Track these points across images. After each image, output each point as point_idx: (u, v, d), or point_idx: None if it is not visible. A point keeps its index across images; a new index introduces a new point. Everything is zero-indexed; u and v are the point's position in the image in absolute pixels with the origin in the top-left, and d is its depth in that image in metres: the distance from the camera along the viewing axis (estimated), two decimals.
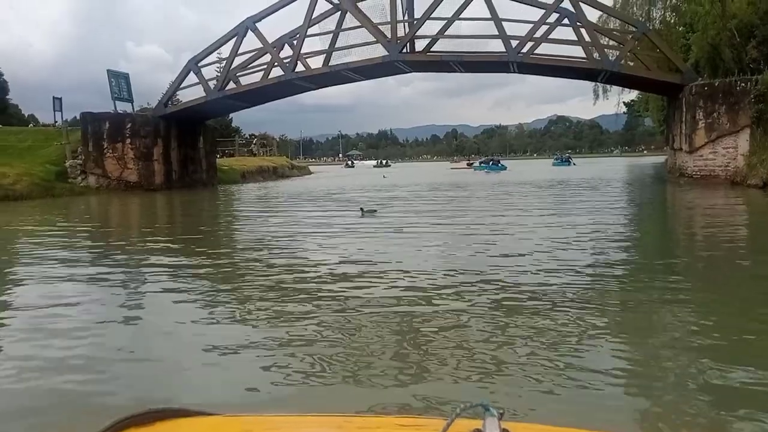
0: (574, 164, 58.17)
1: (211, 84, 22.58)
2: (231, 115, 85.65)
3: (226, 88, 22.31)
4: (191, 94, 23.88)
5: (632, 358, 3.36)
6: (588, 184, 22.44)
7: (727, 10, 24.02)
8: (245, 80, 23.07)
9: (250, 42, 22.41)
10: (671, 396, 2.81)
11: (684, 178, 18.75)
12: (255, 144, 48.71)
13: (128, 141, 22.37)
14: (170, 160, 23.75)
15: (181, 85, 23.33)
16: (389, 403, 2.73)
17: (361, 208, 12.10)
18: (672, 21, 27.73)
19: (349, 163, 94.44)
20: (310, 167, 62.80)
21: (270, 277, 5.93)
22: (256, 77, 22.56)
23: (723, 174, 17.22)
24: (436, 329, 3.90)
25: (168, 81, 23.51)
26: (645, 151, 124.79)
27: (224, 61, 22.95)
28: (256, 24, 21.74)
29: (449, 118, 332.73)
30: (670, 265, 6.22)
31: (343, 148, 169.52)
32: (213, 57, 23.25)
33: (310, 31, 22.13)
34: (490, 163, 55.61)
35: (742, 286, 5.17)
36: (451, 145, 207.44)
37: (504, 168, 49.09)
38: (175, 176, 24.10)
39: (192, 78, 22.82)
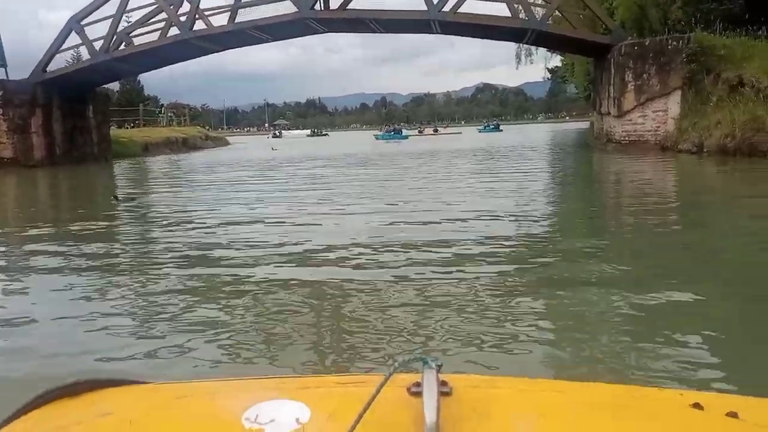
0: (501, 130, 60.71)
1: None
2: (144, 82, 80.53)
3: (116, 50, 19.59)
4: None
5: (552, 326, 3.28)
6: (514, 152, 21.35)
7: None
8: (142, 42, 20.42)
9: None
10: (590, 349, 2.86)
11: (612, 143, 17.86)
12: (164, 114, 45.10)
13: None
14: (52, 133, 20.85)
15: (66, 47, 20.33)
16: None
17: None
18: None
19: (276, 133, 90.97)
20: (229, 138, 59.69)
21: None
22: (155, 38, 19.99)
23: (653, 139, 16.38)
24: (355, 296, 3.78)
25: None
26: (567, 118, 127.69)
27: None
28: None
29: (379, 86, 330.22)
30: (597, 235, 5.96)
31: (269, 117, 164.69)
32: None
33: None
34: (392, 132, 56.11)
35: (668, 254, 4.90)
36: (380, 113, 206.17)
37: (406, 137, 50.00)
38: (60, 151, 21.24)
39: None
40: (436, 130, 67.08)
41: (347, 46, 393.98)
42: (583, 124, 66.38)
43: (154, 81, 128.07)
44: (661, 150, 15.78)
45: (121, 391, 0.76)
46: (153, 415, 0.69)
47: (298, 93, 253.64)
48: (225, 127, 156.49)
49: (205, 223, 7.31)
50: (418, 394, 0.62)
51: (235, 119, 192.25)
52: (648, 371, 2.52)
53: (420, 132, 65.49)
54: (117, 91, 67.57)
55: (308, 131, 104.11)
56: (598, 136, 20.32)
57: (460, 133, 60.16)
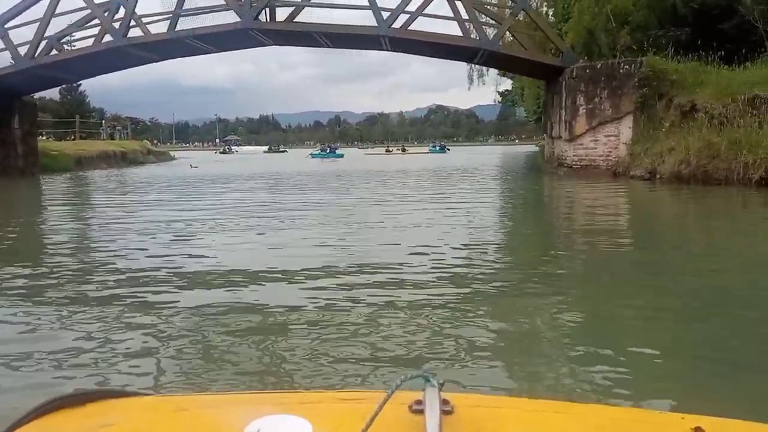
0: (448, 149, 63.33)
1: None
2: (89, 93, 77.60)
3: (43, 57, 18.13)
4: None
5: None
6: (464, 174, 20.82)
7: None
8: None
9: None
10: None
11: (563, 168, 17.49)
12: (104, 126, 43.07)
13: None
14: None
15: None
16: None
17: None
18: (545, 9, 26.99)
19: (226, 148, 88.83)
20: (176, 153, 57.78)
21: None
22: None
23: (605, 164, 16.05)
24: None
25: None
26: (517, 141, 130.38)
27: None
28: None
29: (333, 104, 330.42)
30: (548, 259, 5.77)
31: (221, 133, 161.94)
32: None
33: None
34: (327, 151, 56.20)
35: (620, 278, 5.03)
36: (334, 131, 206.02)
37: (341, 155, 50.20)
38: None
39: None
40: (403, 149, 67.30)
41: (302, 63, 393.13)
42: (533, 147, 67.74)
43: (100, 92, 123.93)
44: (613, 176, 15.44)
45: (122, 402, 0.76)
46: (155, 428, 0.69)
47: (251, 109, 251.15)
48: (174, 141, 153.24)
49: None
50: (420, 412, 0.63)
51: (186, 134, 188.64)
52: (596, 386, 2.60)
53: (388, 150, 65.25)
54: (57, 101, 64.86)
55: (266, 147, 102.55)
56: (549, 160, 20.00)
57: (445, 152, 61.41)
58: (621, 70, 15.68)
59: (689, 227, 8.19)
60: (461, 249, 6.19)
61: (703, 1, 22.27)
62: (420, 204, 10.83)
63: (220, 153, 75.92)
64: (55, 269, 5.38)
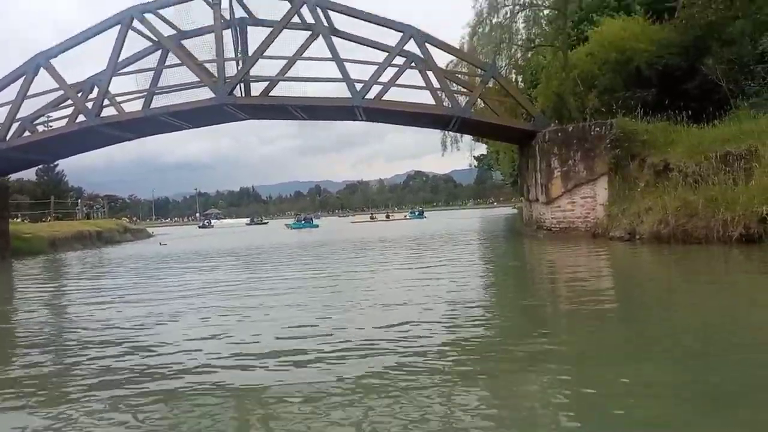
0: (425, 218, 63.45)
1: None
2: (67, 172, 77.35)
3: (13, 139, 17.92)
4: None
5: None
6: (445, 240, 20.62)
7: (569, 60, 24.18)
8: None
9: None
10: None
11: (542, 231, 17.41)
12: (80, 206, 42.59)
13: None
14: None
15: None
16: None
17: None
18: (513, 76, 27.75)
19: (206, 222, 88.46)
20: (154, 229, 57.16)
21: None
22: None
23: (583, 226, 16.00)
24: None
25: None
26: (495, 203, 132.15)
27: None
28: (51, 61, 17.77)
29: (313, 174, 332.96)
30: (533, 326, 5.84)
31: (201, 206, 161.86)
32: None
33: (127, 70, 18.75)
34: (302, 221, 57.69)
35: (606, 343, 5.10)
36: (314, 201, 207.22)
37: (316, 226, 51.71)
38: None
39: None
40: (388, 216, 67.79)
41: (281, 136, 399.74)
42: (509, 210, 68.38)
43: (79, 171, 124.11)
44: (592, 237, 15.36)
45: None
46: None
47: (231, 182, 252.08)
48: (154, 217, 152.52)
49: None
50: None
51: (166, 210, 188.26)
52: None
53: (372, 218, 65.29)
54: (33, 182, 64.40)
55: (247, 220, 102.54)
56: (528, 223, 19.97)
57: (423, 217, 61.84)
58: (592, 132, 15.89)
59: (675, 290, 7.96)
60: (446, 326, 5.96)
61: (666, 63, 23.07)
62: (401, 276, 10.52)
63: (199, 227, 75.37)
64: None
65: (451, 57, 23.65)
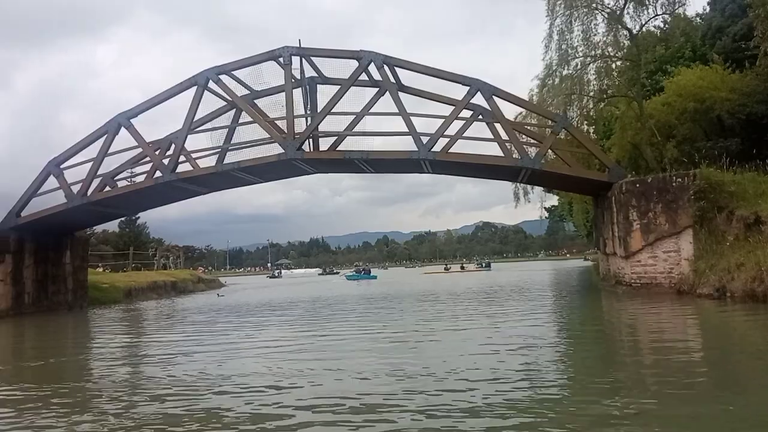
0: (490, 269, 61.51)
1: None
2: (150, 224, 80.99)
3: (92, 194, 18.85)
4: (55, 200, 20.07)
5: None
6: (517, 295, 19.76)
7: (644, 110, 23.35)
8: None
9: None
10: None
11: (622, 286, 16.38)
12: (157, 256, 44.25)
13: None
14: (22, 281, 19.55)
15: (41, 191, 19.58)
16: None
17: None
18: (585, 127, 26.98)
19: (276, 273, 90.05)
20: (228, 278, 58.65)
21: None
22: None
23: (666, 282, 14.91)
24: None
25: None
26: (568, 255, 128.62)
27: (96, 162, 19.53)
28: (132, 120, 18.75)
29: (381, 225, 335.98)
30: (618, 400, 5.17)
31: (273, 256, 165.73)
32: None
33: (203, 128, 19.55)
34: (362, 272, 56.62)
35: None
36: (382, 251, 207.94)
37: (374, 277, 50.83)
38: (29, 299, 19.83)
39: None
40: (462, 267, 66.48)
41: (350, 188, 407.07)
42: (583, 262, 65.83)
43: (160, 223, 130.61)
44: (677, 294, 14.26)
45: None
46: None
47: (302, 233, 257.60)
48: (228, 267, 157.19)
49: None
50: None
51: (240, 260, 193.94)
52: None
53: (446, 269, 64.16)
54: (116, 234, 67.85)
55: (319, 270, 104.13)
56: (606, 278, 18.92)
57: (490, 269, 59.79)
58: (674, 183, 14.96)
59: None
60: (521, 383, 5.81)
61: (749, 112, 21.88)
62: (473, 332, 10.11)
63: (269, 278, 76.58)
64: None
65: (519, 109, 23.36)
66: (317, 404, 5.44)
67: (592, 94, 25.90)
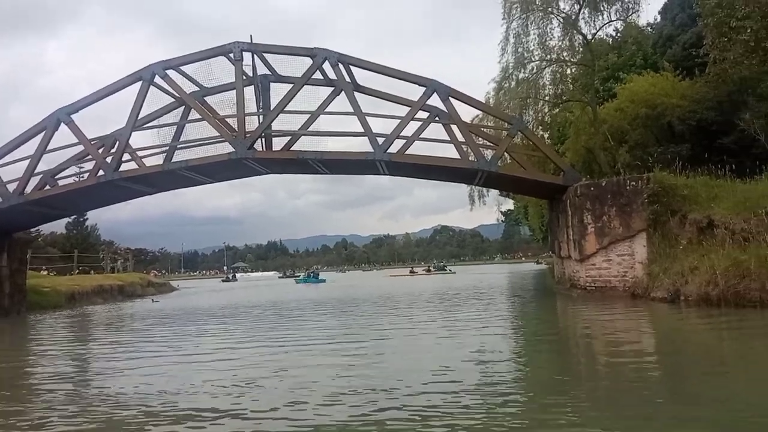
0: (452, 272, 61.69)
1: None
2: (99, 226, 78.22)
3: (30, 194, 17.77)
4: None
5: None
6: (474, 298, 19.57)
7: (598, 115, 23.63)
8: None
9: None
10: None
11: (576, 290, 16.35)
12: (105, 260, 42.64)
13: None
14: None
15: None
16: None
17: None
18: (540, 132, 27.18)
19: (229, 276, 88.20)
20: (180, 282, 57.04)
21: None
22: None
23: (621, 285, 14.92)
24: None
25: None
26: (523, 258, 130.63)
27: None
28: (76, 116, 17.74)
29: (340, 228, 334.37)
30: (572, 408, 5.07)
31: (230, 260, 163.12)
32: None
33: (150, 125, 18.68)
34: (311, 276, 58.13)
35: None
36: (341, 254, 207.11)
37: (323, 280, 52.28)
38: None
39: None
40: (428, 270, 66.43)
41: (309, 191, 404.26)
42: (538, 266, 66.70)
43: (110, 225, 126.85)
44: (631, 297, 14.27)
45: None
46: None
47: (259, 236, 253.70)
48: (182, 271, 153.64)
49: None
50: None
51: (195, 263, 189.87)
52: None
53: (412, 272, 63.84)
54: (63, 235, 65.24)
55: (279, 273, 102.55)
56: (561, 281, 18.92)
57: (454, 272, 59.63)
58: (628, 187, 14.99)
59: (729, 361, 6.96)
60: (473, 389, 5.67)
61: (699, 118, 22.34)
62: (431, 334, 9.92)
63: (223, 281, 74.83)
64: None
65: (476, 112, 23.28)
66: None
67: (547, 98, 26.11)
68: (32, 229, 52.97)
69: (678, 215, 14.06)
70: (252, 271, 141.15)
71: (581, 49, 24.42)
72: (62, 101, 18.62)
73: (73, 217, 68.72)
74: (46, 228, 62.77)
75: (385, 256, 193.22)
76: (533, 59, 24.30)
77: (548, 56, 24.47)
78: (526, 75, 24.53)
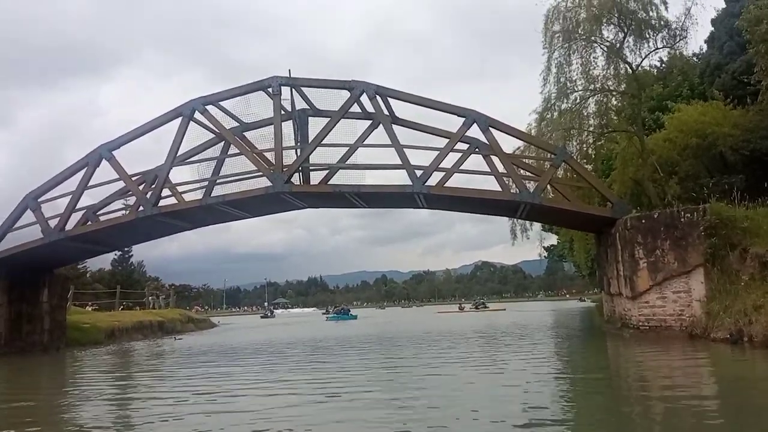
0: (487, 307, 61.81)
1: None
2: (146, 262, 80.00)
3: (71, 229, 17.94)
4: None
5: None
6: (518, 337, 18.68)
7: (646, 145, 22.73)
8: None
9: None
10: None
11: (628, 329, 15.36)
12: (147, 296, 43.12)
13: None
14: None
15: (17, 226, 18.63)
16: None
17: None
18: (590, 157, 26.30)
19: (268, 313, 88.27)
20: (216, 319, 57.14)
21: None
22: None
23: (677, 324, 13.91)
24: None
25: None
26: (567, 295, 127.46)
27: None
28: (114, 152, 17.95)
29: (380, 264, 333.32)
30: None
31: (270, 295, 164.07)
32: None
33: (191, 160, 18.79)
34: (340, 312, 58.01)
35: None
36: (380, 290, 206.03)
37: (354, 317, 52.26)
38: (2, 340, 18.70)
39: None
40: (477, 307, 65.05)
41: (350, 227, 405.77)
42: (583, 303, 64.44)
43: (158, 262, 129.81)
44: (689, 338, 13.25)
45: None
46: None
47: (300, 272, 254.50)
48: (225, 306, 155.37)
49: None
50: None
51: (237, 299, 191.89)
52: None
53: (461, 308, 62.71)
54: (109, 272, 66.67)
55: (322, 309, 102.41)
56: (610, 320, 17.91)
57: (504, 309, 58.11)
58: (683, 219, 14.08)
59: None
60: None
61: (753, 148, 21.23)
62: (474, 378, 9.21)
63: (261, 317, 74.87)
64: None
65: (516, 144, 22.72)
66: None
67: (591, 128, 25.33)
68: (80, 266, 54.50)
69: (738, 249, 13.09)
70: (292, 307, 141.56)
71: (626, 78, 23.70)
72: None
73: (118, 253, 70.63)
74: (94, 265, 64.38)
75: (425, 293, 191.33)
76: (576, 89, 23.67)
77: (592, 86, 23.79)
78: (569, 105, 23.87)
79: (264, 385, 10.02)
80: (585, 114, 24.66)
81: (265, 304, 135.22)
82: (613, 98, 25.09)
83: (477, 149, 17.68)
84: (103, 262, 69.94)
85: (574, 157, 23.21)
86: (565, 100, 23.63)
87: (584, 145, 26.23)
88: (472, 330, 23.58)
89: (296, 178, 17.87)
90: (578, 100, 23.80)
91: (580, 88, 23.57)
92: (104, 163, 17.94)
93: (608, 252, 17.18)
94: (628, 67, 22.77)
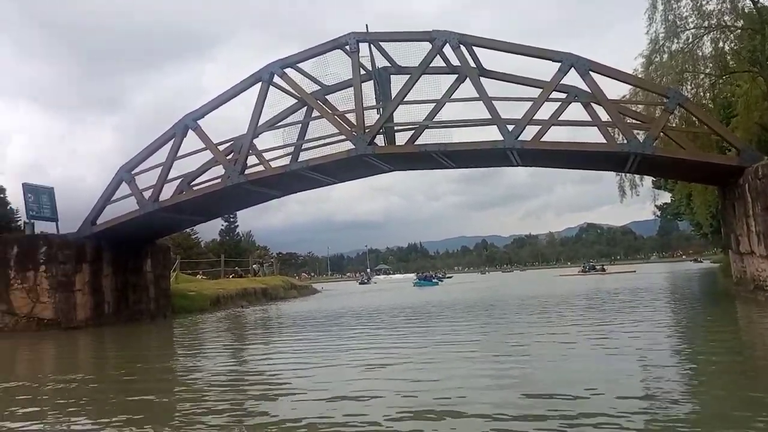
0: (600, 270, 58.31)
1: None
2: (248, 231, 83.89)
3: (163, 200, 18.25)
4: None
5: None
6: (629, 302, 16.96)
7: None
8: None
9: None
10: None
11: (764, 292, 13.32)
12: (251, 264, 44.65)
13: (42, 268, 18.00)
14: (101, 290, 19.26)
15: (114, 198, 19.22)
16: None
17: None
18: (706, 104, 23.32)
19: (365, 279, 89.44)
20: (318, 285, 58.55)
21: None
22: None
23: None
24: None
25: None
26: (683, 256, 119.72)
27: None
28: (198, 121, 17.94)
29: (479, 229, 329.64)
30: None
31: (372, 262, 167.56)
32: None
33: (272, 127, 18.47)
34: (425, 278, 56.22)
35: None
36: (481, 255, 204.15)
37: (437, 284, 50.91)
38: (110, 309, 19.55)
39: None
40: (603, 269, 61.39)
41: (447, 193, 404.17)
42: (701, 264, 59.33)
43: (264, 233, 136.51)
44: None
45: None
46: None
47: (399, 239, 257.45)
48: (329, 273, 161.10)
49: None
50: None
51: (341, 265, 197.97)
52: None
53: (584, 271, 59.09)
54: (217, 242, 70.26)
55: (418, 274, 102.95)
56: (740, 282, 15.76)
57: (634, 271, 53.97)
58: None
59: None
60: None
61: None
62: (588, 349, 8.18)
63: (359, 284, 75.95)
64: None
65: (621, 91, 20.50)
66: None
67: (708, 70, 22.43)
68: (192, 236, 57.51)
69: None
70: (393, 273, 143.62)
71: (747, 11, 20.64)
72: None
73: (224, 224, 74.20)
74: (206, 235, 68.26)
75: (528, 257, 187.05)
76: (688, 27, 20.98)
77: (706, 22, 21.00)
78: (681, 45, 21.22)
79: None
80: (699, 55, 21.87)
81: (367, 270, 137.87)
82: (732, 35, 22.03)
83: (576, 97, 15.96)
84: (215, 232, 73.99)
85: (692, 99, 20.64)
86: (676, 40, 21.05)
87: (700, 90, 23.39)
88: (587, 292, 21.95)
89: (381, 140, 17.04)
90: (691, 40, 21.11)
91: (692, 25, 20.88)
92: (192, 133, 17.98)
93: (736, 206, 14.99)
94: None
